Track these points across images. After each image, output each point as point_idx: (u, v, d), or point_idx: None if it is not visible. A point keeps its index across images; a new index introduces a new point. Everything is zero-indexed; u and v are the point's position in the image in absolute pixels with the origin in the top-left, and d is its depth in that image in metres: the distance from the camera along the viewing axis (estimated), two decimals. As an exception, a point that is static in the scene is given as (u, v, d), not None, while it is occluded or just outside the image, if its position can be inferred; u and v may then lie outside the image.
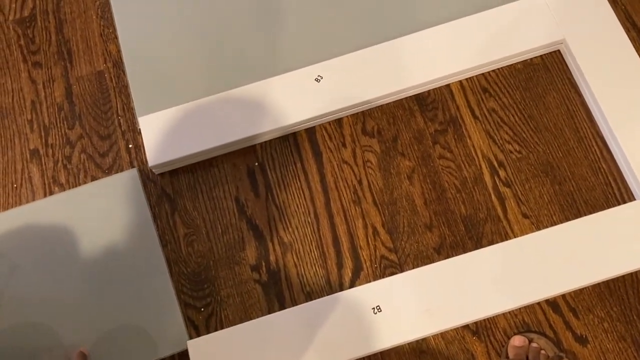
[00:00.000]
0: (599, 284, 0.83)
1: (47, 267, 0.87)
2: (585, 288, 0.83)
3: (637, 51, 0.91)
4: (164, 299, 0.86)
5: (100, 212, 0.90)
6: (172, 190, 0.92)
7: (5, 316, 0.86)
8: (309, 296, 0.86)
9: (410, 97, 0.94)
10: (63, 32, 1.04)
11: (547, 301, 0.83)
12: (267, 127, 0.91)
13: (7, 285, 0.86)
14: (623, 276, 0.83)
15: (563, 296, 0.83)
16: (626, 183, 0.87)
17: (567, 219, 0.86)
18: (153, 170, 0.92)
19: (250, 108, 0.92)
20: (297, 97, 0.92)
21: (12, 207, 0.93)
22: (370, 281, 0.85)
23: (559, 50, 0.95)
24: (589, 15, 0.94)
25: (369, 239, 0.88)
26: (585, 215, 0.85)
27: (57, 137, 0.97)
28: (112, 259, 0.88)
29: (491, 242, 0.86)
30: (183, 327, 0.85)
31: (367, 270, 0.86)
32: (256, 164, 0.92)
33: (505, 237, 0.86)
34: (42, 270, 0.87)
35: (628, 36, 0.92)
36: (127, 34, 1.00)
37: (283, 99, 0.92)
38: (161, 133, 0.92)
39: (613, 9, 0.93)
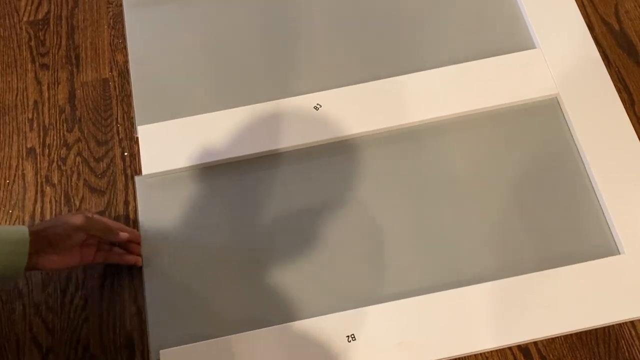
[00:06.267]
0: (571, 334, 0.84)
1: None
2: (557, 337, 0.84)
3: (627, 112, 0.94)
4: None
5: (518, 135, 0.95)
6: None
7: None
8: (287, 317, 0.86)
9: (403, 134, 0.96)
10: (74, 37, 1.06)
11: (519, 347, 0.83)
12: (261, 148, 0.93)
13: None
14: (595, 329, 0.84)
15: (535, 343, 0.84)
16: (608, 237, 0.88)
17: (548, 267, 0.87)
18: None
19: (249, 128, 0.95)
20: (294, 123, 0.95)
21: (2, 202, 0.94)
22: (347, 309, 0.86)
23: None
24: (584, 73, 0.97)
25: (350, 269, 0.88)
26: (565, 265, 0.86)
27: (55, 138, 0.99)
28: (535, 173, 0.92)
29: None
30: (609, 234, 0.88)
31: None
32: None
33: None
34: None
35: (620, 97, 0.95)
36: (136, 43, 1.04)
37: (279, 123, 0.95)
38: (158, 143, 0.94)
39: (607, 70, 0.96)
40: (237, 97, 0.98)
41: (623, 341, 0.83)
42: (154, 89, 1.00)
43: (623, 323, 0.84)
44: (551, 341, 0.84)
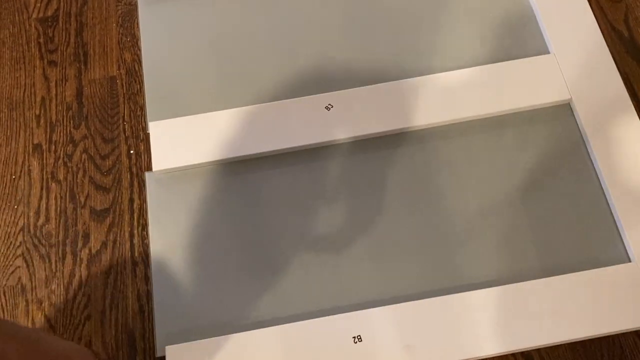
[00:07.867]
0: (575, 342, 0.83)
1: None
2: (561, 345, 0.83)
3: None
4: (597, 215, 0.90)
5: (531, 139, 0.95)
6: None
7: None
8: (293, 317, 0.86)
9: (410, 137, 0.96)
10: (82, 35, 1.07)
11: (523, 353, 0.83)
12: (272, 147, 0.93)
13: None
14: (600, 337, 0.83)
15: (538, 350, 0.83)
16: (618, 244, 0.88)
17: (557, 273, 0.86)
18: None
19: (260, 127, 0.95)
20: (305, 123, 0.95)
21: (7, 198, 0.94)
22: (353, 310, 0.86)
23: (563, 110, 0.97)
24: (597, 79, 0.96)
25: (354, 271, 0.88)
26: (575, 271, 0.86)
27: (61, 134, 0.99)
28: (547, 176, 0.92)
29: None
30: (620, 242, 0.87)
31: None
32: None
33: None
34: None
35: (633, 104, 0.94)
36: (150, 40, 1.04)
37: (291, 122, 0.95)
38: (169, 140, 0.94)
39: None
40: (249, 95, 0.98)
41: (627, 350, 0.83)
42: (166, 86, 1.00)
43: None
44: (554, 348, 0.83)
